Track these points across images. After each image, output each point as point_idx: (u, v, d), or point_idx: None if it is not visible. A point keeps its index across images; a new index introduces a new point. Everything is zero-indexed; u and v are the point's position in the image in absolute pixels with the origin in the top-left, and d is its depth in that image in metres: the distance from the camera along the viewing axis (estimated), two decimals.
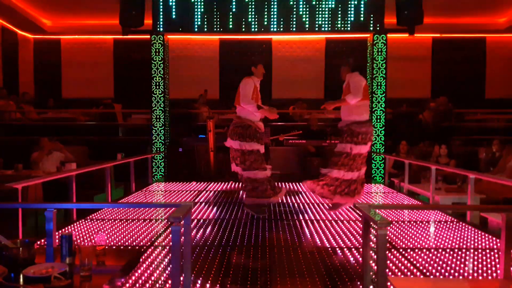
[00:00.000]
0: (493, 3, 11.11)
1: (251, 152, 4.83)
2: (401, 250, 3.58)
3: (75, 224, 4.37)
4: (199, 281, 2.89)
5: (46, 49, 13.17)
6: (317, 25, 8.31)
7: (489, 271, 3.09)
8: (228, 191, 6.67)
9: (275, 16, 8.31)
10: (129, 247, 3.65)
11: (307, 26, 8.32)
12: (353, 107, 4.87)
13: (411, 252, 3.54)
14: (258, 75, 5.03)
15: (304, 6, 8.28)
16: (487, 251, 3.60)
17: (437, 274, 3.04)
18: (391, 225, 4.39)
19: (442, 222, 4.63)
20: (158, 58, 8.46)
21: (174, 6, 8.33)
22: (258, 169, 4.83)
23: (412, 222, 4.59)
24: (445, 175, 6.75)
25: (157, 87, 8.49)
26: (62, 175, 4.89)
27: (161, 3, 8.34)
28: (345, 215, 4.96)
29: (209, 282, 2.88)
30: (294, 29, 8.33)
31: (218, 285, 2.83)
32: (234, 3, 8.31)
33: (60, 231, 3.93)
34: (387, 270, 2.97)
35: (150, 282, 2.83)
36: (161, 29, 8.38)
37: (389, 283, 2.54)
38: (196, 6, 8.31)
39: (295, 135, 8.10)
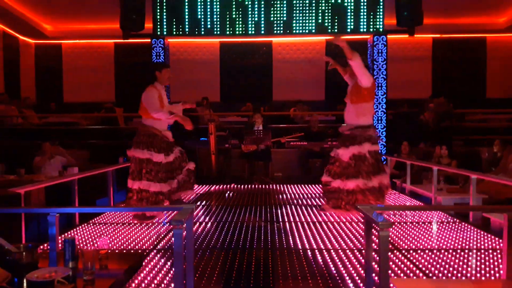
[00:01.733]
0: (493, 3, 11.11)
1: (152, 163, 4.64)
2: (403, 251, 3.58)
3: (77, 228, 4.38)
4: (202, 284, 2.89)
5: (47, 54, 13.21)
6: (317, 27, 8.33)
7: (492, 272, 3.09)
8: (228, 192, 6.67)
9: (276, 18, 8.33)
10: (132, 251, 3.65)
11: (307, 27, 8.34)
12: (360, 110, 4.74)
13: (414, 253, 3.53)
14: (163, 81, 4.77)
15: (305, 7, 8.30)
16: (490, 251, 3.60)
17: (440, 275, 3.04)
18: (393, 227, 4.38)
19: (444, 223, 4.63)
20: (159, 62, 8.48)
21: (174, 10, 8.36)
22: (153, 181, 4.63)
23: (414, 223, 4.59)
24: (447, 175, 6.74)
25: None
26: (65, 180, 4.90)
27: (161, 7, 8.37)
28: (348, 217, 4.95)
29: (212, 284, 2.89)
30: (294, 31, 8.36)
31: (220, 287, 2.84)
32: (234, 6, 8.33)
33: (63, 235, 3.94)
34: (390, 272, 2.97)
35: (152, 285, 2.83)
36: (162, 33, 8.41)
37: (391, 285, 2.54)
38: (196, 10, 8.35)
39: (296, 137, 8.11)
